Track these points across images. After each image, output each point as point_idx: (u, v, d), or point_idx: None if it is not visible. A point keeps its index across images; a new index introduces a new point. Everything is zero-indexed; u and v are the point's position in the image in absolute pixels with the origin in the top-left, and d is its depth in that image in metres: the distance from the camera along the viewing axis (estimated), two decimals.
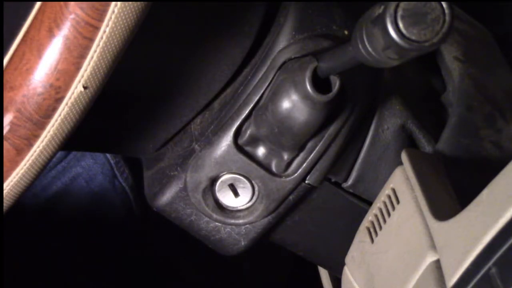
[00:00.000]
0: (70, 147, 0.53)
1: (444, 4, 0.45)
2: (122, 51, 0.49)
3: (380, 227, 0.62)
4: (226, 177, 0.64)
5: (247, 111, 0.62)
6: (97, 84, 0.49)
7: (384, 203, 0.63)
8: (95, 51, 0.47)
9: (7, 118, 0.49)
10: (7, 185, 0.51)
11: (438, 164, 0.63)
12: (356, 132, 0.64)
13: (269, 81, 0.61)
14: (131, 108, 0.66)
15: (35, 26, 0.48)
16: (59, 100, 0.48)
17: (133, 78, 0.62)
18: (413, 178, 0.60)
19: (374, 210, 0.64)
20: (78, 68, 0.48)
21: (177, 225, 0.68)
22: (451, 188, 0.59)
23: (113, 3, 0.46)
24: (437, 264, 0.53)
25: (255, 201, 0.65)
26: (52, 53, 0.47)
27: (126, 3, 0.46)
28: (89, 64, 0.48)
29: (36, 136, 0.50)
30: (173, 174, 0.66)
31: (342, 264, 0.68)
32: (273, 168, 0.63)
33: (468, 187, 0.54)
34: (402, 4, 0.44)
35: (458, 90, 0.68)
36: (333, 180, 0.66)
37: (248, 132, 0.62)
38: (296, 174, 0.63)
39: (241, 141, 0.63)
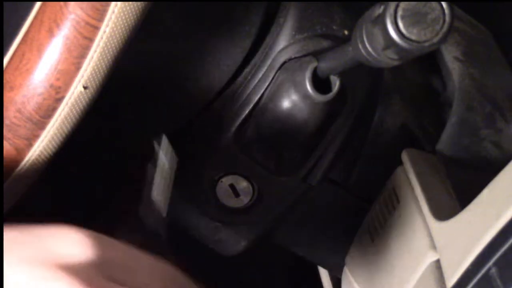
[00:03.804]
0: (68, 147, 0.52)
1: (444, 4, 0.45)
2: (122, 51, 0.49)
3: (380, 227, 0.62)
4: (226, 177, 0.64)
5: (247, 111, 0.62)
6: (97, 84, 0.49)
7: (384, 203, 0.63)
8: (95, 51, 0.47)
9: (7, 118, 0.49)
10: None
11: (438, 164, 0.63)
12: (356, 132, 0.64)
13: (269, 81, 0.61)
14: (130, 108, 0.66)
15: (35, 26, 0.48)
16: (59, 100, 0.48)
17: (133, 78, 0.62)
18: (413, 178, 0.60)
19: (374, 210, 0.64)
20: (78, 68, 0.48)
21: (176, 225, 0.68)
22: (451, 188, 0.59)
23: (113, 3, 0.46)
24: (437, 264, 0.53)
25: (255, 201, 0.65)
26: (52, 53, 0.47)
27: (126, 3, 0.46)
28: (89, 64, 0.48)
29: (36, 136, 0.50)
30: None
31: (342, 264, 0.68)
32: (273, 168, 0.63)
33: (468, 187, 0.54)
34: (402, 4, 0.44)
35: (458, 90, 0.68)
36: (333, 180, 0.66)
37: (248, 132, 0.62)
38: (296, 174, 0.63)
39: (241, 141, 0.63)
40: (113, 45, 0.48)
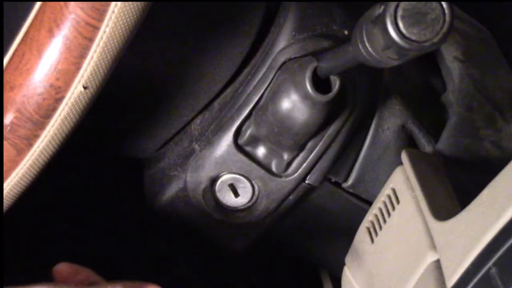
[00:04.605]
0: (69, 147, 0.53)
1: (444, 4, 0.45)
2: (122, 51, 0.49)
3: (380, 227, 0.62)
4: (226, 177, 0.64)
5: (247, 111, 0.62)
6: (97, 84, 0.49)
7: (384, 203, 0.63)
8: (95, 51, 0.47)
9: (7, 118, 0.49)
10: (7, 185, 0.51)
11: (438, 164, 0.63)
12: (356, 132, 0.64)
13: (269, 81, 0.61)
14: (131, 108, 0.66)
15: (35, 26, 0.48)
16: (59, 100, 0.48)
17: (133, 78, 0.62)
18: (413, 178, 0.60)
19: (374, 210, 0.64)
20: (78, 68, 0.48)
21: (176, 225, 0.68)
22: (451, 188, 0.59)
23: (113, 3, 0.46)
24: (437, 264, 0.53)
25: (255, 201, 0.65)
26: (52, 53, 0.47)
27: (126, 3, 0.46)
28: (89, 64, 0.48)
29: (36, 136, 0.50)
30: (173, 174, 0.66)
31: (342, 264, 0.68)
32: (273, 168, 0.63)
33: (468, 187, 0.54)
34: (402, 4, 0.44)
35: (458, 90, 0.68)
36: (333, 180, 0.66)
37: (248, 132, 0.62)
38: (296, 174, 0.63)
39: (241, 141, 0.63)
40: (113, 45, 0.48)
